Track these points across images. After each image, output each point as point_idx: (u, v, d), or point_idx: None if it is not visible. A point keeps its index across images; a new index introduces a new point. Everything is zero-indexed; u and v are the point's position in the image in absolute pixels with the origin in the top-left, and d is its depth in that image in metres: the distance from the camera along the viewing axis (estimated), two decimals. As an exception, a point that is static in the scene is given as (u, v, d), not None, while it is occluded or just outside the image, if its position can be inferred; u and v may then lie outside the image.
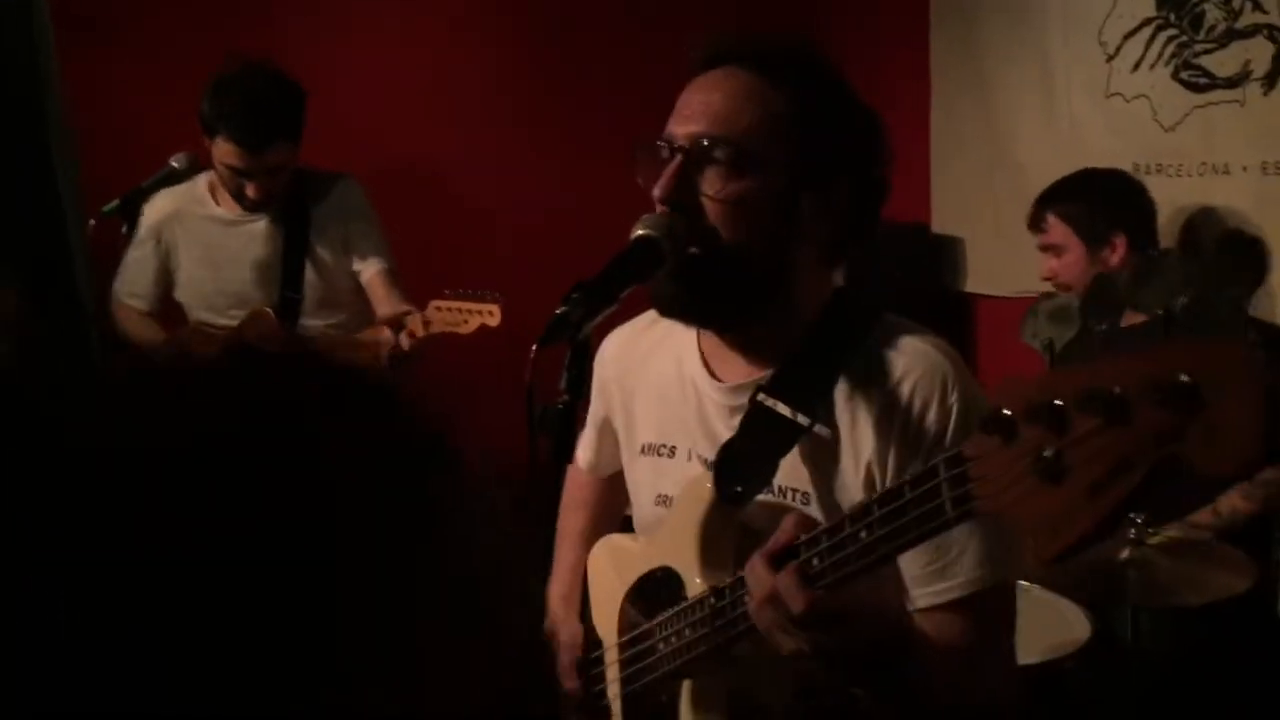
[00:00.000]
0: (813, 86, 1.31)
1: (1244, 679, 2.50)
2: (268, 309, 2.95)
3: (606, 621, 1.54)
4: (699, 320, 1.40)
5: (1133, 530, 2.30)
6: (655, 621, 1.40)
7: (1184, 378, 0.80)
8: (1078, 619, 2.45)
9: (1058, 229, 2.77)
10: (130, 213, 2.78)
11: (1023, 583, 2.54)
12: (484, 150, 3.89)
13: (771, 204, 1.29)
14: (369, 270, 2.93)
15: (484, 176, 3.89)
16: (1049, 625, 2.45)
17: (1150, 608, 2.41)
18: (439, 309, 2.68)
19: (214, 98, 2.70)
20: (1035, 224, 2.84)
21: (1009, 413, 0.91)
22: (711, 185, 1.28)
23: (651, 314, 1.50)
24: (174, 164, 2.88)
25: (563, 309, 1.16)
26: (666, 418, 1.48)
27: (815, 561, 1.13)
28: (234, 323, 2.96)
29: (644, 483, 1.52)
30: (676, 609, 1.35)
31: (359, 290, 2.97)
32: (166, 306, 3.07)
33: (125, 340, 3.05)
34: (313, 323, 2.97)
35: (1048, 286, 3.56)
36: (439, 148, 3.82)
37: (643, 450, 1.52)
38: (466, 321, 2.63)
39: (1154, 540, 2.31)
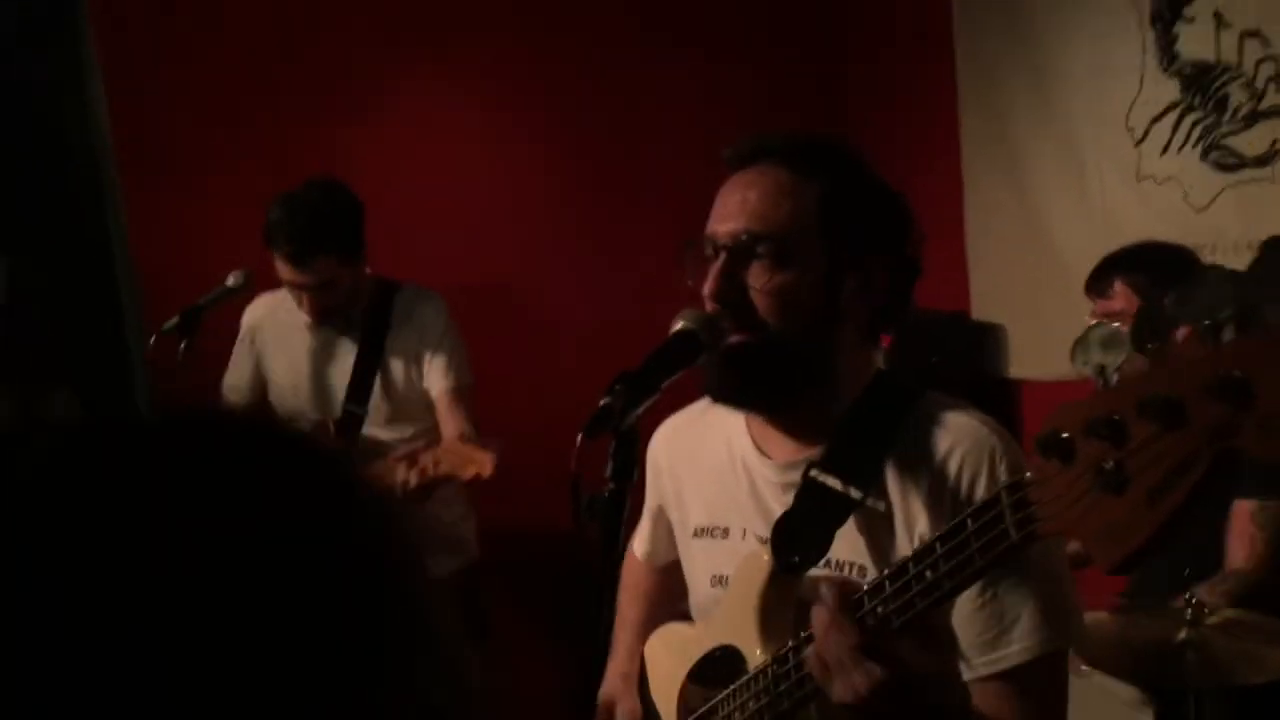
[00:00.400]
0: (843, 177, 1.38)
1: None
2: (329, 422, 3.01)
3: (667, 708, 1.56)
4: (749, 404, 1.45)
5: (1189, 611, 2.27)
6: (719, 698, 1.41)
7: (1236, 373, 0.83)
8: (1139, 705, 2.42)
9: (1124, 296, 2.75)
10: (188, 330, 2.88)
11: (1084, 668, 2.51)
12: (543, 255, 4.00)
13: (814, 290, 1.35)
14: (436, 388, 2.95)
15: (543, 282, 4.00)
16: (1110, 713, 2.41)
17: (1212, 689, 2.37)
18: (448, 451, 2.69)
19: (270, 212, 2.78)
20: (1100, 289, 2.81)
21: (1066, 435, 0.94)
22: (757, 279, 1.35)
23: (701, 403, 1.56)
24: (230, 283, 2.99)
25: (606, 400, 1.21)
26: (719, 500, 1.52)
27: (879, 610, 1.15)
28: (316, 419, 3.02)
29: (699, 565, 1.56)
30: (739, 683, 1.37)
31: (431, 407, 2.98)
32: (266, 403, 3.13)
33: None
34: (382, 435, 2.99)
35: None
36: (499, 256, 3.92)
37: (696, 533, 1.56)
38: (467, 467, 2.63)
39: (1211, 620, 2.28)
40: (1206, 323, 0.89)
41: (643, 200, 4.04)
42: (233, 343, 3.14)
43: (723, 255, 1.37)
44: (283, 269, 2.80)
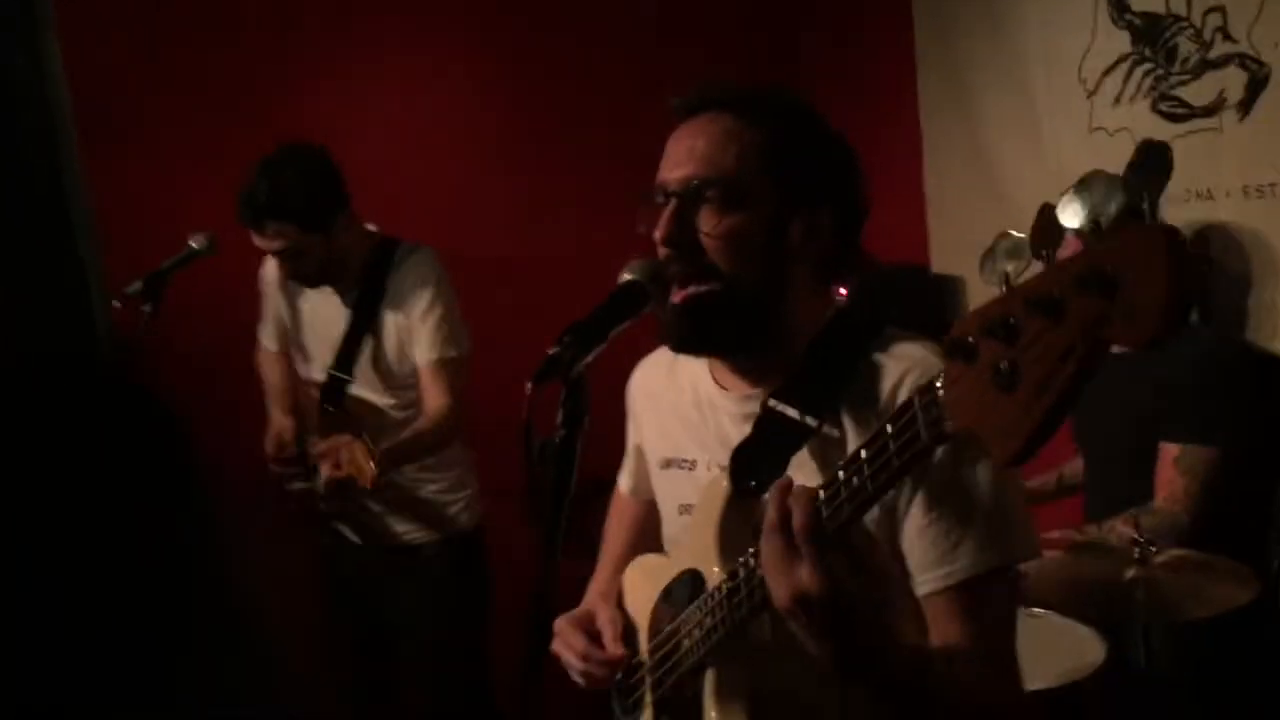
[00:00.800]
0: (789, 122, 1.43)
1: (1255, 689, 2.53)
2: (288, 426, 3.04)
3: (642, 629, 1.62)
4: (707, 351, 1.51)
5: (1137, 550, 2.35)
6: (680, 618, 1.47)
7: (1102, 267, 0.88)
8: (1092, 642, 2.50)
9: (1072, 243, 2.82)
10: (152, 294, 2.89)
11: (1037, 610, 2.59)
12: (493, 201, 4.04)
13: (764, 233, 1.40)
14: (419, 359, 2.93)
15: (494, 228, 4.03)
16: (1064, 650, 2.49)
17: (1160, 623, 2.45)
18: (347, 451, 2.68)
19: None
20: (1040, 247, 2.90)
21: (969, 338, 0.99)
22: (707, 223, 1.39)
23: None
24: (193, 244, 3.00)
25: (555, 349, 1.25)
26: (685, 434, 1.59)
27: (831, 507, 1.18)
28: (320, 379, 3.04)
29: (668, 495, 1.64)
30: (698, 601, 1.43)
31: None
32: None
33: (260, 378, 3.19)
34: (375, 400, 3.00)
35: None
36: (453, 205, 3.96)
37: (664, 465, 1.64)
38: (361, 473, 2.65)
39: (1159, 559, 2.36)
40: (1090, 224, 0.94)
41: (597, 155, 4.06)
42: (198, 307, 3.16)
43: (673, 201, 1.41)
44: (253, 236, 2.82)
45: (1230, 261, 3.00)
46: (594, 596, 1.79)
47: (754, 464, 1.42)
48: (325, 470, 2.71)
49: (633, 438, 1.79)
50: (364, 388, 3.00)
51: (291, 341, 3.15)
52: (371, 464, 2.64)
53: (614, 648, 1.61)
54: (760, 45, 4.31)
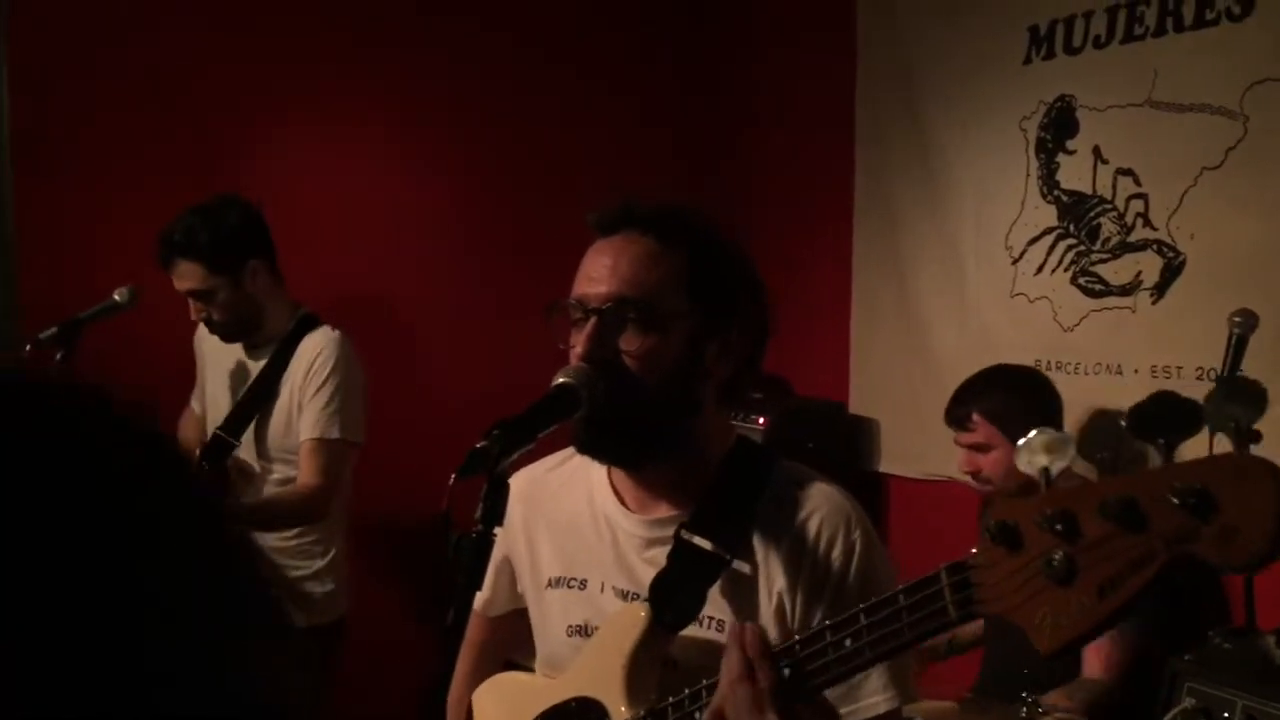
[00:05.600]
0: (706, 246, 1.47)
1: None
2: (198, 446, 2.99)
3: None
4: (618, 459, 1.51)
5: (1024, 710, 2.36)
6: None
7: (1200, 485, 0.92)
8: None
9: (984, 428, 2.84)
10: (65, 342, 2.82)
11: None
12: (435, 284, 4.06)
13: (680, 353, 1.43)
14: (301, 434, 2.89)
15: (434, 310, 4.04)
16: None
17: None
18: None
19: None
20: (960, 423, 2.90)
21: (1016, 524, 1.03)
22: (629, 343, 1.41)
23: (561, 453, 1.61)
24: (116, 297, 2.95)
25: (482, 443, 1.25)
26: (577, 552, 1.56)
27: (787, 672, 1.20)
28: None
29: (554, 615, 1.58)
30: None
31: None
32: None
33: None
34: (255, 466, 2.96)
35: (952, 471, 3.70)
36: (391, 281, 3.96)
37: (550, 584, 1.58)
38: None
39: (1044, 720, 2.37)
40: (1162, 441, 1.00)
41: (527, 239, 4.11)
42: (113, 360, 3.09)
43: (594, 319, 1.42)
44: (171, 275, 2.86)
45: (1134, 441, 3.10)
46: None
47: (672, 597, 1.41)
48: None
49: (499, 551, 1.61)
50: (247, 452, 2.97)
51: (206, 401, 3.12)
52: None
53: None
54: (707, 169, 4.43)
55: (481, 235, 4.16)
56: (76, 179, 3.43)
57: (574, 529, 1.57)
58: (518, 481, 1.63)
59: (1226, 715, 2.22)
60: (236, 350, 3.01)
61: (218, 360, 3.06)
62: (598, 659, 1.45)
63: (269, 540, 2.93)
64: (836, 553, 1.40)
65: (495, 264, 4.16)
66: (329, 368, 2.89)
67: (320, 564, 3.01)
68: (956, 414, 2.91)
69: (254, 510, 2.85)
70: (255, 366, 2.98)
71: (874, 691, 1.38)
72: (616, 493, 1.54)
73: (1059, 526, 0.99)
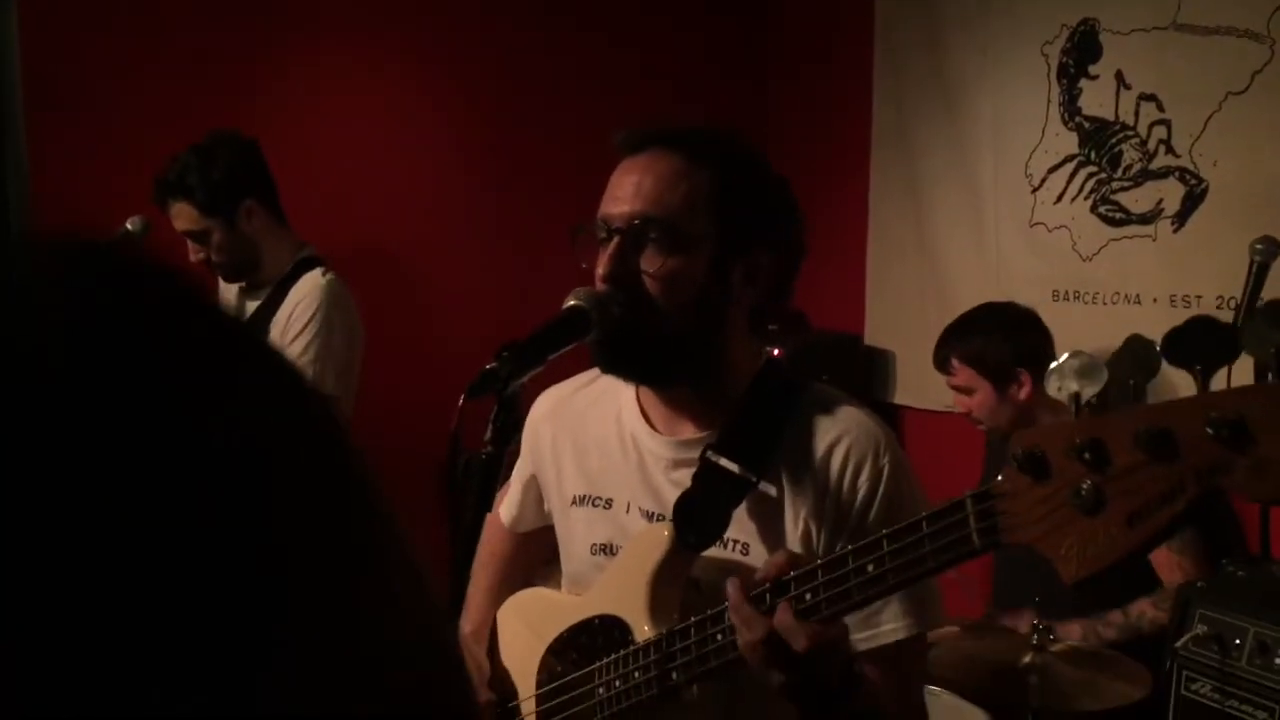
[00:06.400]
0: (735, 165, 1.43)
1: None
2: None
3: (521, 674, 1.58)
4: (639, 377, 1.49)
5: (1035, 636, 2.38)
6: (595, 666, 1.44)
7: (1236, 416, 0.90)
8: (982, 723, 2.52)
9: (963, 372, 2.83)
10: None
11: (932, 688, 2.60)
12: (442, 227, 4.02)
13: (704, 274, 1.39)
14: None
15: (442, 254, 4.01)
16: (954, 730, 2.51)
17: (1051, 712, 2.48)
18: None
19: None
20: (942, 366, 2.90)
21: (1044, 453, 1.01)
22: (650, 263, 1.38)
23: (588, 374, 1.59)
24: (129, 226, 2.95)
25: (492, 364, 1.24)
26: (603, 471, 1.55)
27: (808, 596, 1.20)
28: None
29: (578, 533, 1.58)
30: (622, 654, 1.40)
31: None
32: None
33: None
34: None
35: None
36: (398, 224, 3.93)
37: (575, 501, 1.58)
38: None
39: (1056, 648, 2.39)
40: (1198, 368, 0.97)
41: (543, 176, 4.08)
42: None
43: (616, 238, 1.39)
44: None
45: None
46: (464, 637, 1.74)
47: (695, 517, 1.40)
48: None
49: (526, 467, 1.69)
50: None
51: None
52: None
53: (480, 694, 1.60)
54: (729, 104, 4.37)
55: (490, 170, 4.11)
56: (88, 113, 3.41)
57: (601, 448, 1.56)
58: (546, 400, 1.66)
59: (1238, 642, 2.22)
60: (234, 290, 2.99)
61: (227, 298, 3.03)
62: (621, 578, 1.45)
63: None
64: (864, 478, 1.38)
65: (504, 200, 4.12)
66: (308, 316, 2.80)
67: None
68: (938, 357, 2.90)
69: None
70: (250, 308, 2.93)
71: (893, 618, 1.37)
72: (644, 413, 1.52)
73: (1088, 455, 0.97)
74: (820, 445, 1.39)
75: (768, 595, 1.23)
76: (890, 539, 1.15)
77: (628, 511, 1.50)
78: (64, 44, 3.38)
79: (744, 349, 1.48)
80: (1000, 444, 3.07)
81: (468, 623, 1.75)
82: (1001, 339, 2.83)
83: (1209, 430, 0.91)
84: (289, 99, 3.71)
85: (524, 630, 1.60)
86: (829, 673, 1.22)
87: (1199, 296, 2.98)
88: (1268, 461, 0.88)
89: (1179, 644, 2.29)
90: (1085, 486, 0.97)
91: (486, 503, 1.26)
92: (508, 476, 1.71)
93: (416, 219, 3.98)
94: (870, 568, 1.16)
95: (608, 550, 1.52)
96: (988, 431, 2.96)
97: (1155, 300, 3.09)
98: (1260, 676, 2.18)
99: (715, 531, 1.39)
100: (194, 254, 2.87)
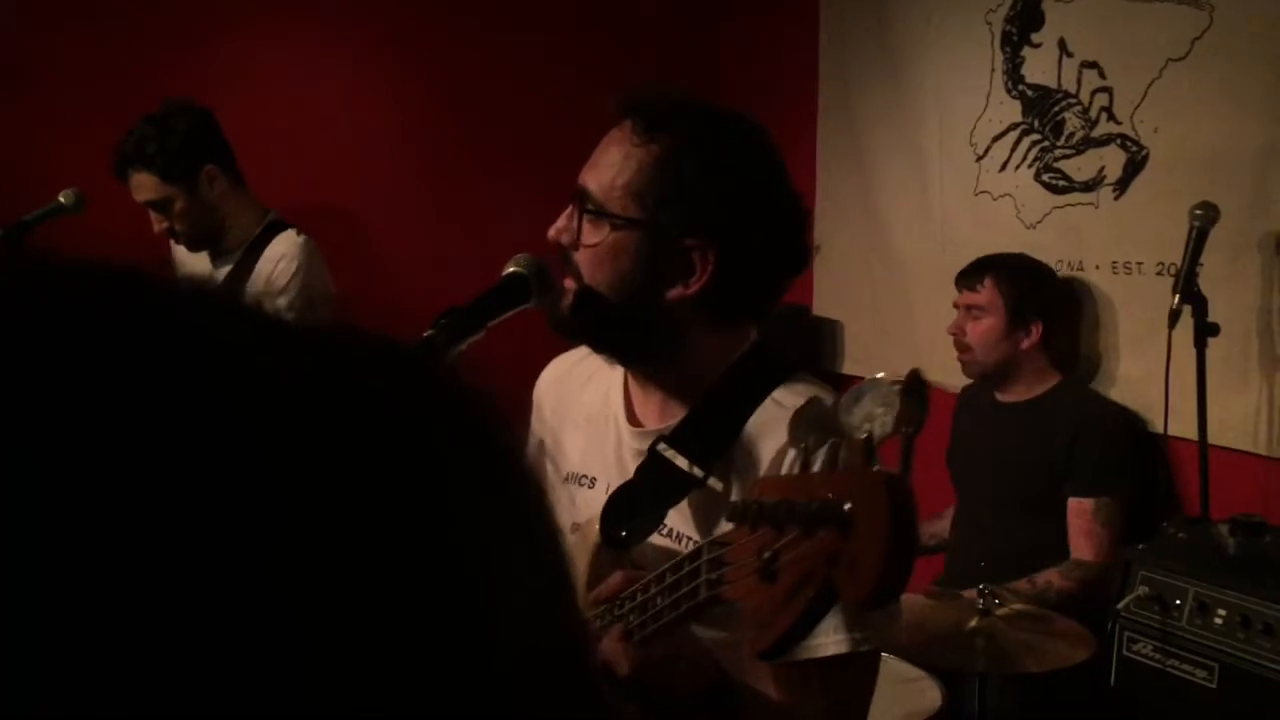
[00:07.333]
0: (684, 144, 1.33)
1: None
2: None
3: None
4: (583, 341, 1.46)
5: (980, 601, 2.40)
6: None
7: (847, 505, 0.83)
8: (930, 688, 2.54)
9: (990, 292, 2.91)
10: (11, 245, 2.76)
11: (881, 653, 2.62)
12: (392, 196, 3.98)
13: (631, 256, 1.33)
14: None
15: (392, 222, 3.98)
16: (903, 695, 2.52)
17: (996, 675, 2.51)
18: None
19: None
20: (970, 281, 2.96)
21: (756, 506, 0.93)
22: (586, 236, 1.34)
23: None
24: (61, 199, 2.89)
25: (430, 332, 1.22)
26: (590, 448, 1.51)
27: (631, 617, 1.17)
28: None
29: (563, 509, 1.54)
30: None
31: None
32: None
33: None
34: None
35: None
36: (347, 193, 3.88)
37: (566, 479, 1.54)
38: None
39: (1000, 611, 2.41)
40: (803, 446, 0.90)
41: (492, 143, 4.07)
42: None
43: (571, 205, 1.37)
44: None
45: (1092, 328, 3.12)
46: None
47: (629, 510, 1.35)
48: None
49: (535, 431, 1.65)
50: None
51: None
52: None
53: None
54: (672, 65, 4.35)
55: (446, 143, 4.06)
56: (21, 82, 3.33)
57: (591, 425, 1.52)
58: (553, 369, 1.64)
59: (1179, 603, 2.26)
60: (202, 259, 2.96)
61: (189, 267, 2.99)
62: (575, 561, 1.43)
63: None
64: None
65: (459, 171, 4.08)
66: (290, 272, 2.87)
67: None
68: (970, 273, 2.98)
69: None
70: (220, 274, 2.92)
71: (831, 631, 1.26)
72: (627, 394, 1.48)
73: (771, 519, 0.90)
74: (770, 445, 1.33)
75: (598, 618, 1.21)
76: (672, 570, 1.12)
77: (605, 493, 1.45)
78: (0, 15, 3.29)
79: (704, 339, 1.39)
80: (972, 394, 3.11)
81: None
82: (1041, 287, 2.95)
83: (824, 513, 0.84)
84: (235, 70, 3.64)
85: None
86: (678, 698, 1.18)
87: (1139, 263, 3.01)
88: (855, 559, 0.82)
89: (1120, 605, 2.33)
90: (767, 553, 0.90)
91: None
92: None
93: (365, 187, 3.94)
94: (659, 599, 1.13)
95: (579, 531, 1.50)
96: (966, 366, 3.03)
97: (1098, 267, 3.11)
98: (1200, 636, 2.23)
99: (647, 527, 1.34)
100: (157, 225, 2.85)
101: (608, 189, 1.33)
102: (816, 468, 1.01)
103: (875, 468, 0.89)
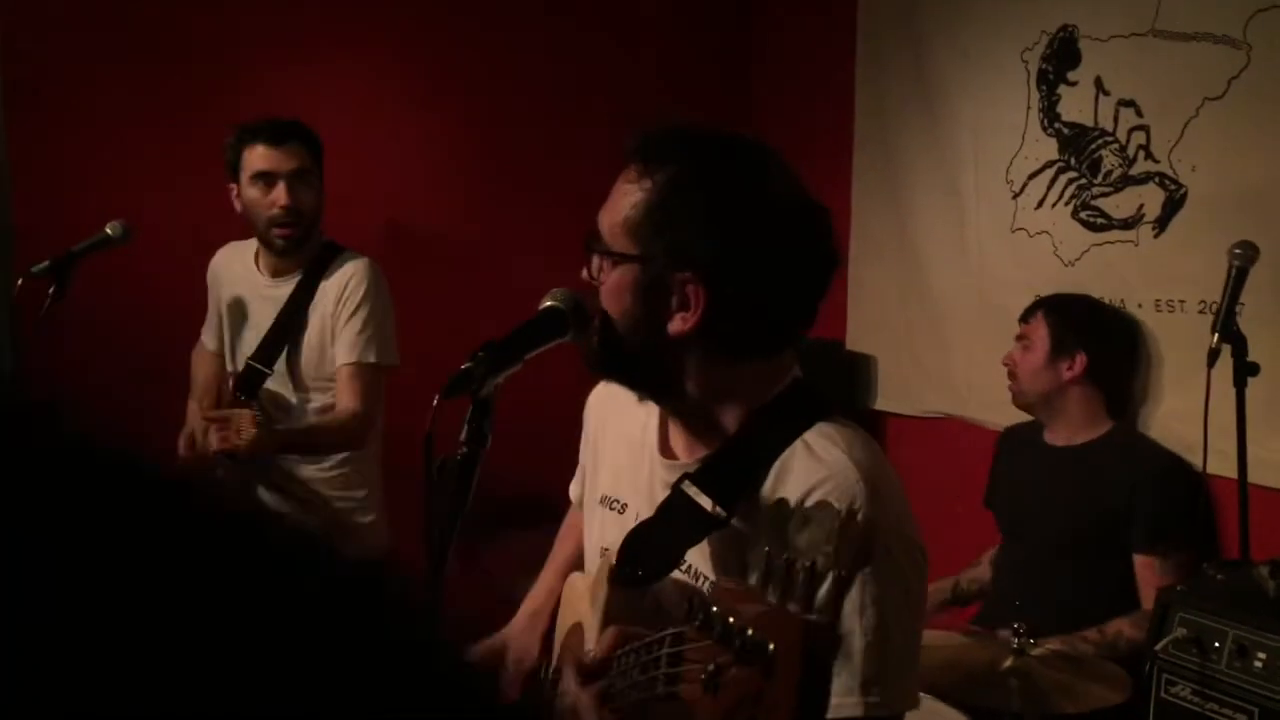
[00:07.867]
0: (682, 180, 1.32)
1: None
2: (231, 375, 3.04)
3: (557, 647, 1.60)
4: (616, 381, 1.45)
5: (1015, 640, 2.38)
6: (553, 668, 1.46)
7: (770, 646, 0.83)
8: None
9: (1039, 326, 2.98)
10: (59, 275, 2.81)
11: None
12: (429, 225, 4.02)
13: (631, 293, 1.33)
14: (338, 360, 2.90)
15: (430, 249, 4.01)
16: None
17: (1031, 716, 2.48)
18: (218, 420, 2.76)
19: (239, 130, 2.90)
20: (1026, 315, 3.04)
21: (705, 615, 0.92)
22: (601, 274, 1.36)
23: None
24: (109, 231, 2.93)
25: (467, 364, 1.24)
26: (624, 473, 1.52)
27: (617, 682, 1.17)
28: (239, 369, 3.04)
29: (594, 533, 1.58)
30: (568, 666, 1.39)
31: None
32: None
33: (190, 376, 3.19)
34: (290, 397, 2.96)
35: (949, 408, 3.71)
36: (382, 222, 3.90)
37: (600, 501, 1.56)
38: (234, 432, 2.70)
39: (1035, 652, 2.39)
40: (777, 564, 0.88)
41: (524, 176, 4.11)
42: (105, 295, 3.08)
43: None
44: (259, 158, 2.85)
45: (1139, 368, 3.11)
46: (521, 616, 1.73)
47: (646, 549, 1.34)
48: (213, 440, 2.72)
49: (584, 453, 1.68)
50: (280, 383, 2.96)
51: (227, 337, 3.10)
52: (251, 429, 2.67)
53: (511, 690, 1.60)
54: (709, 101, 4.37)
55: (486, 163, 4.10)
56: (70, 112, 3.39)
57: (629, 450, 1.52)
58: (600, 392, 1.65)
59: (1217, 645, 2.23)
60: (257, 279, 3.00)
61: (238, 289, 3.04)
62: (594, 591, 1.44)
63: (309, 472, 2.95)
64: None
65: (500, 193, 4.12)
66: (361, 292, 2.91)
67: (360, 494, 3.03)
68: (1029, 308, 3.06)
69: (292, 435, 2.89)
70: (279, 294, 2.96)
71: (845, 692, 1.20)
72: (662, 426, 1.47)
73: (719, 634, 0.89)
74: (796, 490, 1.28)
75: (590, 671, 1.21)
76: (657, 645, 1.09)
77: (635, 520, 1.45)
78: (44, 44, 3.36)
79: (721, 370, 1.36)
80: (1017, 435, 3.11)
81: (530, 600, 1.75)
82: (1085, 319, 3.00)
83: (743, 650, 0.84)
84: (273, 94, 3.69)
85: (570, 607, 1.61)
86: None
87: (1181, 301, 2.99)
88: (775, 703, 0.81)
89: (1159, 647, 2.30)
90: (711, 666, 0.89)
91: (463, 502, 1.25)
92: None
93: (402, 216, 3.97)
94: (635, 672, 1.12)
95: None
96: (1015, 396, 3.05)
97: (1140, 305, 3.10)
98: (1239, 679, 2.19)
99: (664, 567, 1.33)
100: (274, 202, 2.86)
101: (610, 228, 1.35)
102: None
103: (818, 601, 0.87)
